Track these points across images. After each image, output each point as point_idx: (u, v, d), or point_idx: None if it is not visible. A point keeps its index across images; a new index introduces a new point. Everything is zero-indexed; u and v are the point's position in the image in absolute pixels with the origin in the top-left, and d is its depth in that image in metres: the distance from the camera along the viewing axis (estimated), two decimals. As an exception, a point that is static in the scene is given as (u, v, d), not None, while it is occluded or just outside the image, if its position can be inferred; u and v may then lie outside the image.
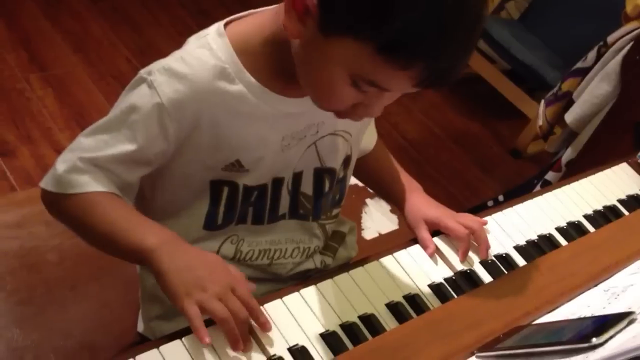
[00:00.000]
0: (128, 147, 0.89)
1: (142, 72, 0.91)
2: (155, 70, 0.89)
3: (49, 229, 1.28)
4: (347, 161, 1.10)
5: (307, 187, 1.06)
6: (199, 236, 1.00)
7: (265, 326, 0.85)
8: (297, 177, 1.04)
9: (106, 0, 3.01)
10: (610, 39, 1.73)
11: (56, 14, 2.84)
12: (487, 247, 1.09)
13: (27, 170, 2.16)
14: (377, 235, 1.65)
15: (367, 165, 1.22)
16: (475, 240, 1.09)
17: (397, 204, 1.19)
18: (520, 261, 1.09)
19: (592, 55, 1.80)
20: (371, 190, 1.82)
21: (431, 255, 1.07)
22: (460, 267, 1.05)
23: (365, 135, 1.18)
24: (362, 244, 1.48)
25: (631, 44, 1.66)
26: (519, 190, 2.23)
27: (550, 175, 1.95)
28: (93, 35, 2.81)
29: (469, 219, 1.10)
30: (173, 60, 0.90)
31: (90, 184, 0.89)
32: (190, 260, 0.85)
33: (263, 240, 1.05)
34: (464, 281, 1.03)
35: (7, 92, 2.41)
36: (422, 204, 1.15)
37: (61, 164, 0.90)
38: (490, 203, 2.34)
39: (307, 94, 0.91)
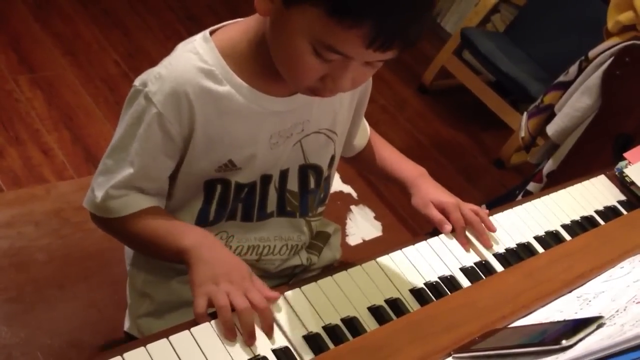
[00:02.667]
0: (144, 160, 0.95)
1: (137, 84, 0.95)
2: (149, 81, 0.93)
3: (37, 229, 1.29)
4: (331, 161, 1.14)
5: (292, 184, 1.10)
6: None
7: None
8: (284, 174, 1.08)
9: (96, 4, 3.03)
10: (591, 53, 1.77)
11: (46, 16, 2.85)
12: (486, 238, 1.15)
13: (14, 172, 2.17)
14: (361, 241, 1.67)
15: (367, 157, 1.28)
16: (475, 232, 1.16)
17: (403, 188, 1.24)
18: (499, 268, 1.12)
19: (573, 69, 1.84)
20: (356, 197, 1.85)
21: (447, 233, 1.14)
22: (441, 272, 1.08)
23: (358, 137, 1.23)
24: (346, 249, 1.50)
25: (612, 59, 1.70)
26: (501, 200, 2.27)
27: (531, 186, 1.99)
28: (83, 39, 2.82)
29: (469, 212, 1.16)
30: (162, 67, 0.94)
31: (126, 208, 0.98)
32: (214, 258, 0.92)
33: (252, 237, 1.09)
34: (444, 286, 1.06)
35: (-5, 94, 2.43)
36: (429, 187, 1.20)
37: (97, 192, 0.98)
38: (472, 212, 2.38)
39: (292, 90, 0.97)
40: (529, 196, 1.39)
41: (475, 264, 1.12)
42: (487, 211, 1.20)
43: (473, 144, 3.19)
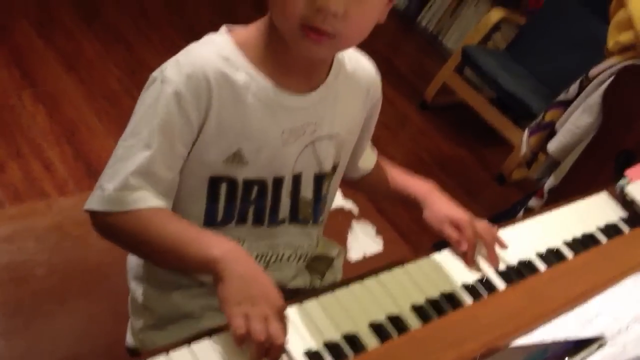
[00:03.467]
0: (161, 141, 0.92)
1: (154, 73, 0.96)
2: (166, 68, 0.94)
3: (38, 244, 1.29)
4: (335, 167, 1.13)
5: (307, 190, 1.09)
6: None
7: None
8: (297, 180, 1.07)
9: (99, 20, 3.05)
10: (592, 72, 1.78)
11: (49, 32, 2.87)
12: (496, 256, 1.14)
13: (15, 186, 2.17)
14: (362, 257, 1.67)
15: (373, 181, 1.28)
16: (486, 249, 1.15)
17: (414, 204, 1.23)
18: (501, 285, 1.12)
19: (574, 87, 1.85)
20: (356, 214, 1.85)
21: (463, 255, 1.13)
22: (442, 288, 1.08)
23: (363, 159, 1.23)
24: (348, 265, 1.50)
25: (612, 78, 1.71)
26: (503, 216, 2.26)
27: (533, 202, 1.98)
28: (85, 54, 2.84)
29: (482, 230, 1.15)
30: (180, 55, 0.96)
31: (144, 200, 0.91)
32: (248, 274, 0.87)
33: (262, 243, 1.08)
34: (446, 303, 1.05)
35: (-2, 107, 2.43)
36: (442, 202, 1.19)
37: (109, 183, 0.92)
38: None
39: (306, 88, 1.00)
40: (530, 212, 1.39)
41: (477, 280, 1.11)
42: (496, 230, 1.19)
43: (474, 159, 3.19)
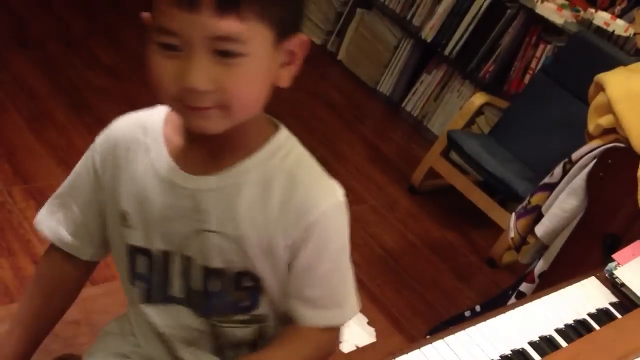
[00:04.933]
0: (72, 177, 1.06)
1: None
2: None
3: (27, 345, 1.27)
4: (249, 275, 0.97)
5: (196, 278, 0.99)
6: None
7: None
8: (187, 262, 0.99)
9: (90, 113, 3.10)
10: (574, 156, 1.82)
11: (41, 127, 2.90)
12: None
13: (5, 283, 2.16)
14: (354, 348, 1.66)
15: (280, 336, 1.03)
16: None
17: None
18: (495, 376, 1.11)
19: (558, 171, 1.88)
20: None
21: None
22: (435, 383, 1.07)
23: (297, 310, 1.00)
24: (340, 357, 1.48)
25: (595, 161, 1.74)
26: (495, 301, 2.26)
27: (524, 287, 1.98)
28: (77, 148, 2.86)
29: None
30: None
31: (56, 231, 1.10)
32: None
33: (161, 322, 1.05)
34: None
35: (-11, 204, 2.44)
36: None
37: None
38: (467, 313, 2.37)
39: (205, 170, 0.95)
40: (522, 299, 1.39)
41: (470, 373, 1.10)
42: None
43: (464, 243, 3.20)
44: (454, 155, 3.32)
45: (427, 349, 1.12)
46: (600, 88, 1.78)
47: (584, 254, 1.75)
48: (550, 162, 2.01)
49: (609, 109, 1.72)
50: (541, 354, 1.17)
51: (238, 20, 0.80)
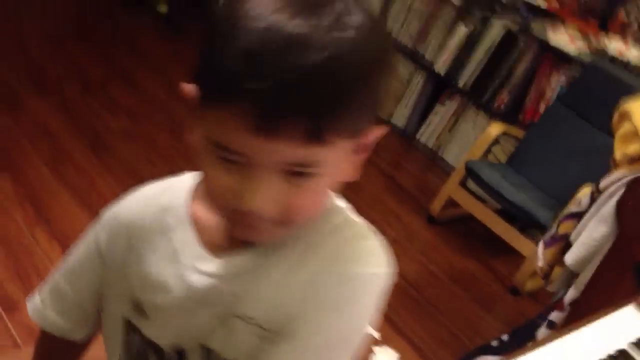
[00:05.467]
0: (71, 259, 0.97)
1: None
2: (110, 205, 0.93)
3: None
4: None
5: None
6: None
7: None
8: (207, 352, 0.84)
9: (110, 154, 3.12)
10: (602, 184, 1.82)
11: (61, 169, 2.93)
12: None
13: (30, 326, 2.15)
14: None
15: None
16: None
17: None
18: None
19: (585, 200, 1.89)
20: (378, 337, 1.84)
21: None
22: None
23: None
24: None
25: (624, 189, 1.75)
26: (524, 331, 2.24)
27: (554, 316, 1.97)
28: (98, 190, 2.88)
29: None
30: (127, 194, 0.93)
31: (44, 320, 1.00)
32: None
33: None
34: None
35: (13, 247, 2.44)
36: None
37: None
38: (494, 343, 2.34)
39: (236, 254, 0.80)
40: (555, 330, 1.38)
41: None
42: None
43: (486, 271, 3.19)
44: (471, 184, 3.32)
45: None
46: (626, 117, 1.79)
47: (616, 281, 1.74)
48: (568, 190, 2.02)
49: (636, 137, 1.72)
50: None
51: (323, 146, 0.67)
